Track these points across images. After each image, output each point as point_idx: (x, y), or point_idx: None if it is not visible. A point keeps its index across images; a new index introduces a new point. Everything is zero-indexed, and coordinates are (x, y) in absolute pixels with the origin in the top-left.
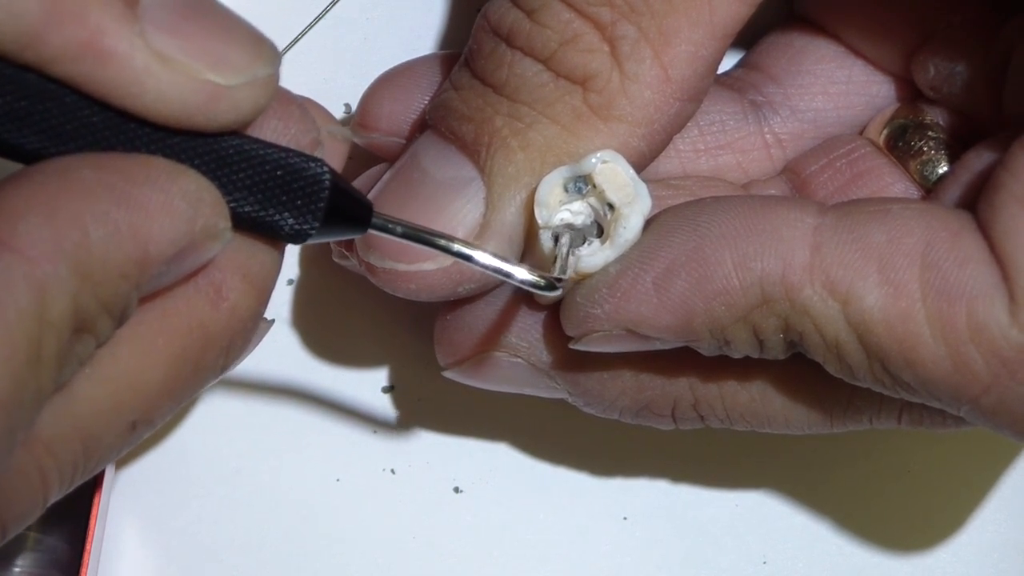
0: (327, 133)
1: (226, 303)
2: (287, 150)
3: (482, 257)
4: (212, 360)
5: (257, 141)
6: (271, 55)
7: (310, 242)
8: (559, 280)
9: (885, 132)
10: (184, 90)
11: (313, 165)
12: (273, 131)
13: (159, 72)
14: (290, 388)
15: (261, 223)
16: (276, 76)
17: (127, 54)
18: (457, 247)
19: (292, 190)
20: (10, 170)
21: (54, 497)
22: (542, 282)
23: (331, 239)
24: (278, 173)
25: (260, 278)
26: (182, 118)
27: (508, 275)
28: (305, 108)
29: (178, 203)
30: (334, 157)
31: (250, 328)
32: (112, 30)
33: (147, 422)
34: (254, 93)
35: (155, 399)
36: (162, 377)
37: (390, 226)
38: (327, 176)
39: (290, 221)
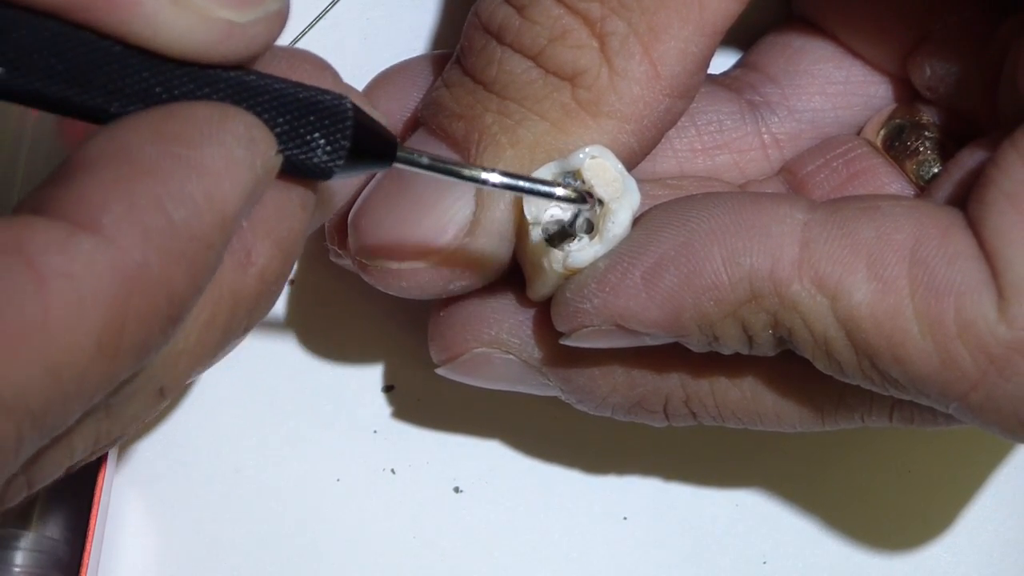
0: None
1: (254, 267)
2: (305, 85)
3: (513, 181)
4: (238, 323)
5: (275, 76)
6: None
7: (338, 177)
8: (589, 195)
9: (882, 132)
10: (198, 29)
11: (334, 94)
12: None
13: (171, 13)
14: (290, 388)
15: (292, 156)
16: (287, 7)
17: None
18: (485, 176)
19: (319, 110)
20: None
21: (77, 461)
22: (574, 195)
23: (359, 172)
24: (300, 96)
25: (288, 241)
26: (199, 55)
27: (547, 194)
28: (338, 76)
29: (237, 152)
30: None
31: (275, 291)
32: None
33: (175, 386)
34: (268, 27)
35: (184, 366)
36: (193, 345)
37: (416, 157)
38: (348, 101)
39: (321, 142)
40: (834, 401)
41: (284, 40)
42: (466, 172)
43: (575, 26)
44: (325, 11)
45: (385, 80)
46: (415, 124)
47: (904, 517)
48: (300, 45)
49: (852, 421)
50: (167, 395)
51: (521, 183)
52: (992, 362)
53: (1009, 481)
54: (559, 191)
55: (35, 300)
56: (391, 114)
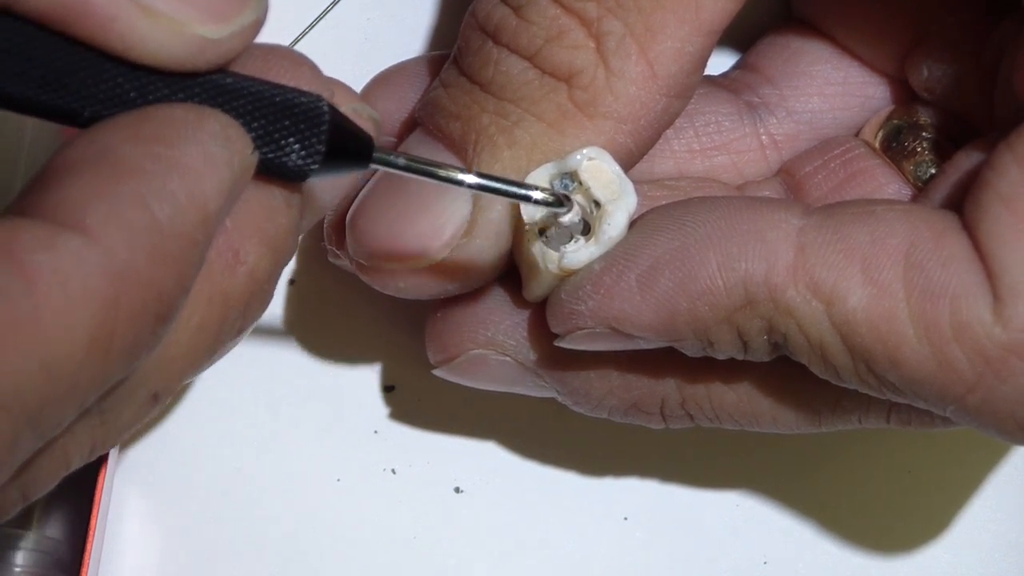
0: (352, 111)
1: (244, 267)
2: (282, 86)
3: (489, 183)
4: (231, 325)
5: (251, 78)
6: None
7: (315, 178)
8: (567, 198)
9: (880, 133)
10: (172, 44)
11: (310, 96)
12: None
13: (145, 28)
14: (290, 388)
15: (266, 158)
16: (263, 17)
17: (111, 13)
18: (462, 177)
19: (295, 113)
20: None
21: (73, 469)
22: (551, 198)
23: (335, 174)
24: (277, 99)
25: (277, 239)
26: (173, 66)
27: (524, 197)
28: (317, 70)
29: (214, 150)
30: None
31: (267, 290)
32: None
33: (168, 392)
34: (243, 39)
35: (177, 371)
36: (184, 349)
37: (392, 158)
38: (324, 104)
39: (296, 146)
40: (831, 405)
41: (284, 41)
42: (442, 173)
43: (571, 26)
44: (325, 11)
45: (382, 81)
46: (412, 124)
47: (904, 517)
48: (300, 45)
49: (849, 423)
50: (160, 400)
51: (497, 185)
52: (988, 364)
53: (1009, 481)
54: (536, 194)
55: (26, 298)
56: (388, 114)
